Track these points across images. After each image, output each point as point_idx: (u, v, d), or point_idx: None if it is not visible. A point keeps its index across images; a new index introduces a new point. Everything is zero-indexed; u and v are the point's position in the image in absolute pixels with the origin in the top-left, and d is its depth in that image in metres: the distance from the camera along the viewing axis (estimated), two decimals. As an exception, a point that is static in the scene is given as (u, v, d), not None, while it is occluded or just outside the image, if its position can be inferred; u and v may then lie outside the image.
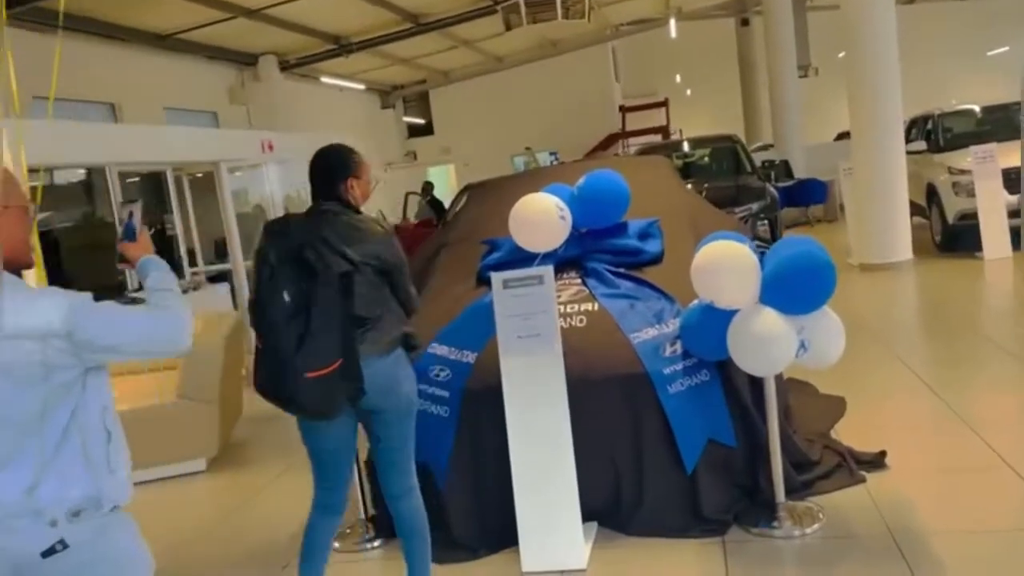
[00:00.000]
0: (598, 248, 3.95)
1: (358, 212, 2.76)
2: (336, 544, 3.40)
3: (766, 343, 3.05)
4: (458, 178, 21.38)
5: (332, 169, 2.73)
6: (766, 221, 9.61)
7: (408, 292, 2.75)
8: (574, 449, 3.25)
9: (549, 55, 21.22)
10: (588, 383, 3.33)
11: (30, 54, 10.50)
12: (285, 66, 16.66)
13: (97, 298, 1.79)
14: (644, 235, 4.01)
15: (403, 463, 2.83)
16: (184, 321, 1.84)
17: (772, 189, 10.19)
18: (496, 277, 3.29)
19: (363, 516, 3.72)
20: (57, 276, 6.66)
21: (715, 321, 3.18)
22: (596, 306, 3.61)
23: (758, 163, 11.61)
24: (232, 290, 7.75)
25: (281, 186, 9.90)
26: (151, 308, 1.85)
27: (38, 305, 1.69)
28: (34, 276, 4.81)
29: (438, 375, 3.54)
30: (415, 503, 2.86)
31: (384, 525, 3.55)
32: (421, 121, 23.01)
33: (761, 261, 3.16)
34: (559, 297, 3.71)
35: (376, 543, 3.61)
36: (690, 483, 3.32)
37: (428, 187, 14.91)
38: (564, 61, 21.33)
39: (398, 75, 21.08)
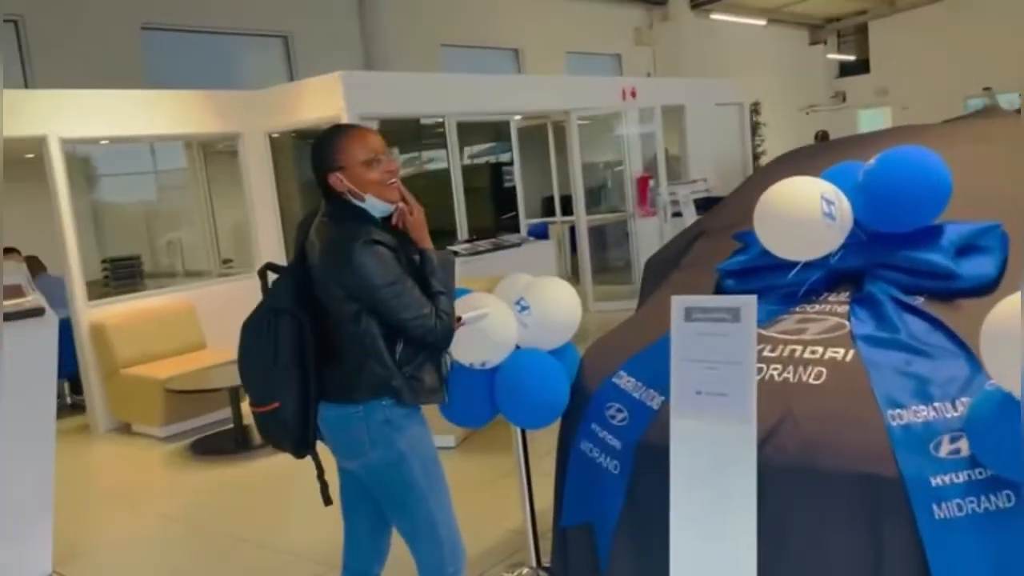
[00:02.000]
0: (889, 262, 2.67)
1: (356, 212, 2.24)
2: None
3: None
4: (895, 124, 18.56)
5: (314, 166, 2.28)
6: None
7: (401, 317, 2.16)
8: (782, 563, 2.25)
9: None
10: (803, 475, 2.23)
11: (438, 3, 11.18)
12: (696, 3, 15.75)
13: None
14: (966, 248, 2.61)
15: (419, 558, 2.35)
16: None
17: None
18: (678, 302, 2.33)
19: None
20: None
21: (1018, 419, 1.86)
22: (850, 355, 2.41)
23: None
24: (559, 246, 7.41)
25: (641, 138, 9.24)
26: None
27: None
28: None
29: (614, 416, 2.69)
30: None
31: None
32: (852, 58, 20.39)
33: None
34: (804, 331, 2.59)
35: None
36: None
37: (822, 136, 13.12)
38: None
39: (833, 6, 18.81)
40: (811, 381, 2.39)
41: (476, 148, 8.53)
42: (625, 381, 2.75)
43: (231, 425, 5.51)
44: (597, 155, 9.79)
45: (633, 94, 8.97)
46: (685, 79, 11.70)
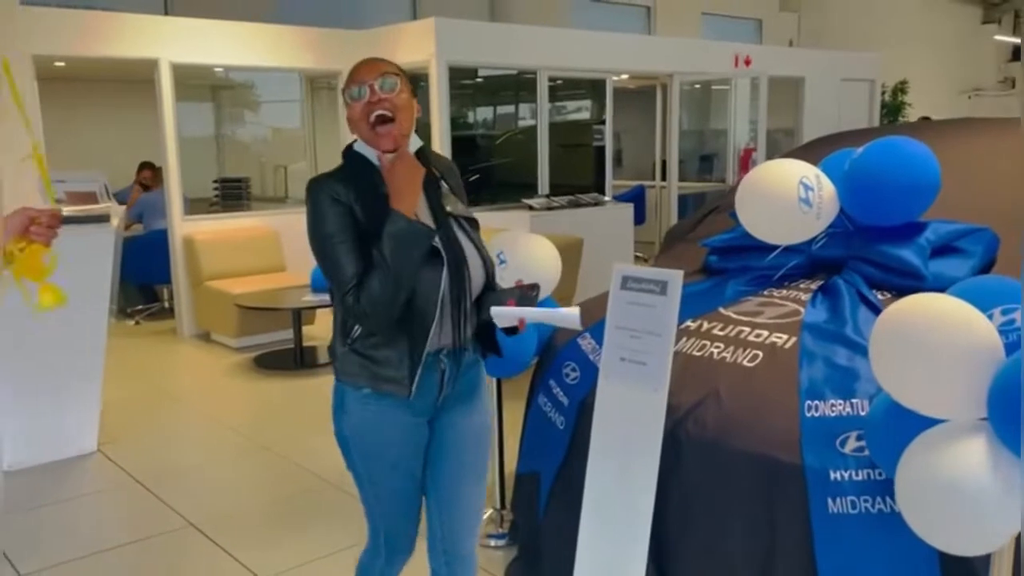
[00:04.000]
0: (865, 255, 2.59)
1: (350, 155, 1.95)
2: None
3: (959, 495, 1.65)
4: (1067, 117, 16.92)
5: None
6: None
7: (327, 276, 1.89)
8: (688, 534, 2.34)
9: None
10: (719, 452, 2.26)
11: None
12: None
13: None
14: (945, 249, 2.50)
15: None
16: None
17: None
18: (618, 270, 2.37)
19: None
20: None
21: (905, 425, 1.82)
22: (791, 343, 2.39)
23: None
24: (642, 210, 7.33)
25: (750, 108, 8.95)
26: None
27: None
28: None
29: (568, 375, 2.78)
30: None
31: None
32: (1025, 41, 18.70)
33: (1013, 341, 1.68)
34: (760, 314, 2.58)
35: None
36: (837, 658, 2.07)
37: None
38: None
39: (1010, -18, 17.26)
40: (745, 363, 2.40)
41: (570, 104, 8.51)
42: (586, 342, 2.82)
43: (292, 345, 5.90)
44: (704, 122, 9.56)
45: (747, 62, 8.68)
46: (807, 50, 11.13)
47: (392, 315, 1.84)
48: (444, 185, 2.01)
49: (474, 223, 2.04)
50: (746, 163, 8.82)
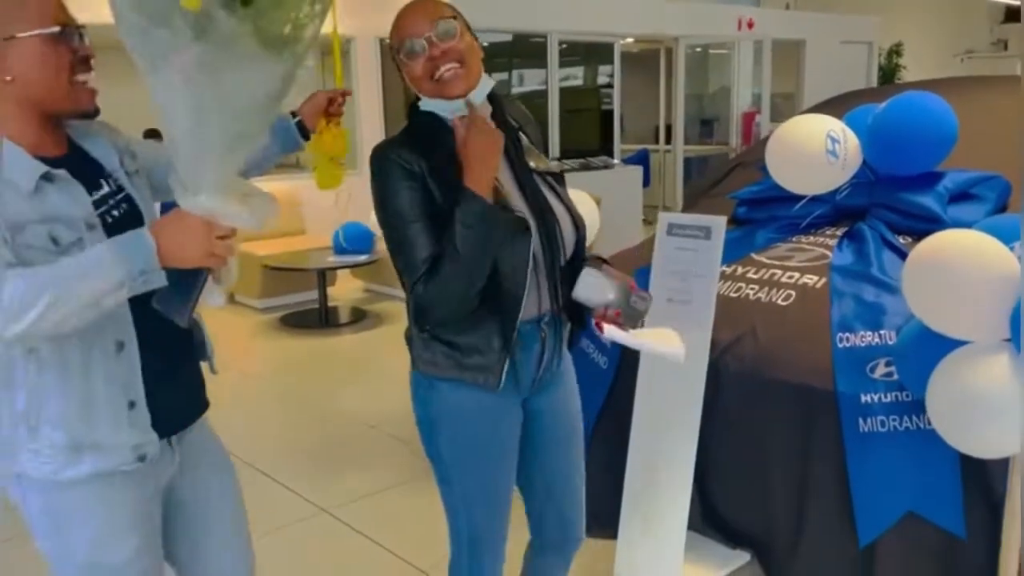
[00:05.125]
0: (887, 202, 2.80)
1: (416, 114, 1.71)
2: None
3: (986, 406, 1.87)
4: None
5: None
6: None
7: (394, 257, 1.66)
8: (728, 459, 2.54)
9: None
10: (757, 382, 2.48)
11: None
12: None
13: None
14: (961, 195, 2.71)
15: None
16: (56, 291, 1.31)
17: None
18: (663, 218, 2.57)
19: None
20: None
21: (935, 349, 2.04)
22: (821, 283, 2.60)
23: None
24: (647, 173, 7.52)
25: (753, 71, 9.11)
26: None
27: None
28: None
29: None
30: None
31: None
32: (1018, 2, 18.77)
33: (1030, 273, 1.90)
34: (790, 259, 2.79)
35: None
36: (865, 560, 2.31)
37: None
38: None
39: (1004, -57, 17.32)
40: (779, 302, 2.61)
41: (578, 69, 8.65)
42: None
43: (317, 305, 6.09)
44: (707, 85, 9.71)
45: (750, 25, 8.82)
46: (808, 12, 11.24)
47: (462, 310, 1.62)
48: (524, 138, 1.80)
49: (560, 178, 1.86)
50: (749, 127, 9.00)
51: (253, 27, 1.21)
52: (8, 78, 1.36)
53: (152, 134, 7.86)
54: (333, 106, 2.04)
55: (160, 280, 1.34)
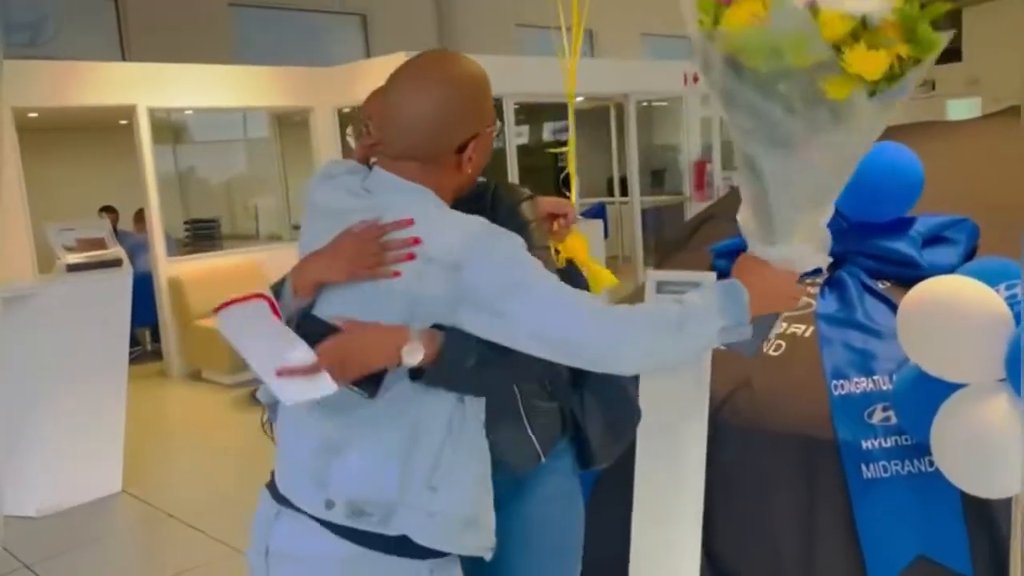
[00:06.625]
0: (863, 249, 2.88)
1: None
2: None
3: (989, 447, 1.91)
4: (985, 114, 17.86)
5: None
6: None
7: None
8: (731, 514, 2.53)
9: None
10: (757, 435, 2.50)
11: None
12: (778, -13, 15.55)
13: None
14: (934, 239, 2.80)
15: None
16: (647, 339, 1.34)
17: None
18: (652, 276, 2.60)
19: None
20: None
21: (933, 393, 2.09)
22: (809, 331, 2.65)
23: None
24: (606, 226, 7.63)
25: (701, 122, 9.37)
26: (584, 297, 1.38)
27: (447, 220, 1.40)
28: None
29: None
30: None
31: None
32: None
33: (1018, 312, 1.96)
34: (776, 309, 2.83)
35: None
36: (878, 608, 2.32)
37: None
38: None
39: (924, -8, 18.20)
40: (771, 353, 2.65)
41: (534, 128, 8.82)
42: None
43: (289, 377, 6.00)
44: (658, 138, 9.94)
45: (695, 79, 9.09)
46: (751, 65, 11.67)
47: None
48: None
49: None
50: (701, 175, 9.21)
51: (883, 107, 1.31)
52: (469, 170, 1.50)
53: (107, 210, 7.77)
54: (554, 222, 1.89)
55: (745, 333, 1.41)
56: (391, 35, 10.31)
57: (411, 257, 1.33)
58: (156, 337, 7.23)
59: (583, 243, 2.00)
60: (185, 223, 8.36)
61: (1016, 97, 15.51)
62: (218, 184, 9.47)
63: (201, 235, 8.20)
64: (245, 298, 1.44)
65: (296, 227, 8.25)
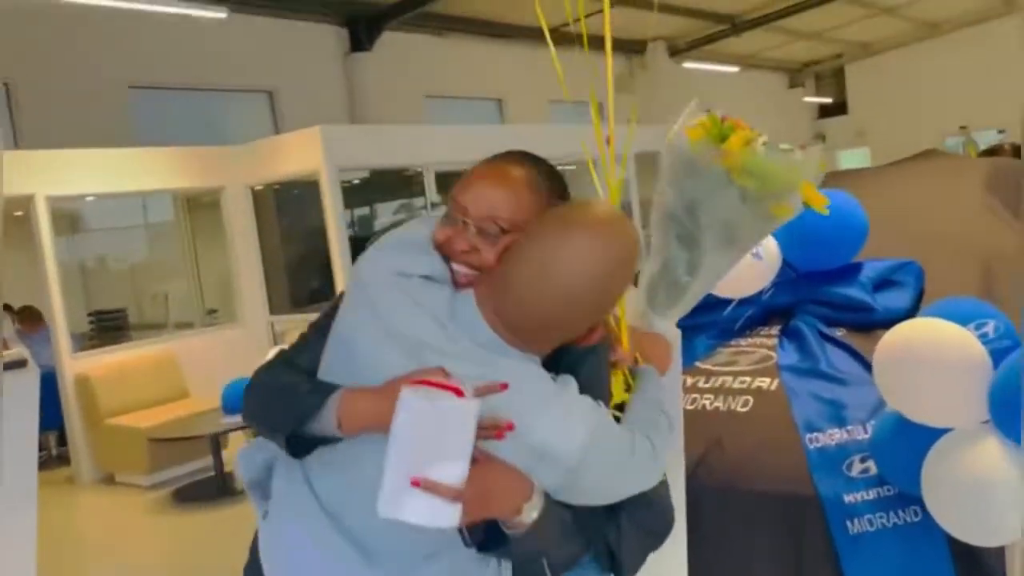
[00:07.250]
0: (814, 297, 2.86)
1: None
2: None
3: (982, 491, 1.84)
4: (875, 164, 18.85)
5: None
6: None
7: None
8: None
9: (999, 14, 17.59)
10: (735, 496, 2.39)
11: (421, 56, 11.38)
12: (675, 52, 16.18)
13: None
14: (883, 283, 2.80)
15: None
16: (660, 463, 1.41)
17: None
18: (612, 338, 2.50)
19: None
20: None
21: (914, 440, 2.02)
22: (775, 384, 2.58)
23: None
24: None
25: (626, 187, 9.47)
26: (636, 433, 1.35)
27: (572, 416, 1.23)
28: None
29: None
30: None
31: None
32: (829, 100, 20.85)
33: (996, 356, 1.93)
34: (736, 363, 2.77)
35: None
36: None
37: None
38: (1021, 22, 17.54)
39: (807, 52, 19.28)
40: (739, 409, 2.56)
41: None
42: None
43: (213, 472, 5.62)
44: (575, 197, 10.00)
45: (609, 141, 9.23)
46: (656, 126, 12.00)
47: None
48: None
49: None
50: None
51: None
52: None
53: (7, 308, 7.26)
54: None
55: None
56: (300, 109, 10.17)
57: (500, 436, 1.17)
58: (62, 441, 6.72)
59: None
60: (89, 315, 7.87)
61: (900, 144, 16.39)
62: (122, 272, 9.02)
63: (107, 326, 7.73)
64: (444, 386, 1.15)
65: (212, 311, 7.90)
